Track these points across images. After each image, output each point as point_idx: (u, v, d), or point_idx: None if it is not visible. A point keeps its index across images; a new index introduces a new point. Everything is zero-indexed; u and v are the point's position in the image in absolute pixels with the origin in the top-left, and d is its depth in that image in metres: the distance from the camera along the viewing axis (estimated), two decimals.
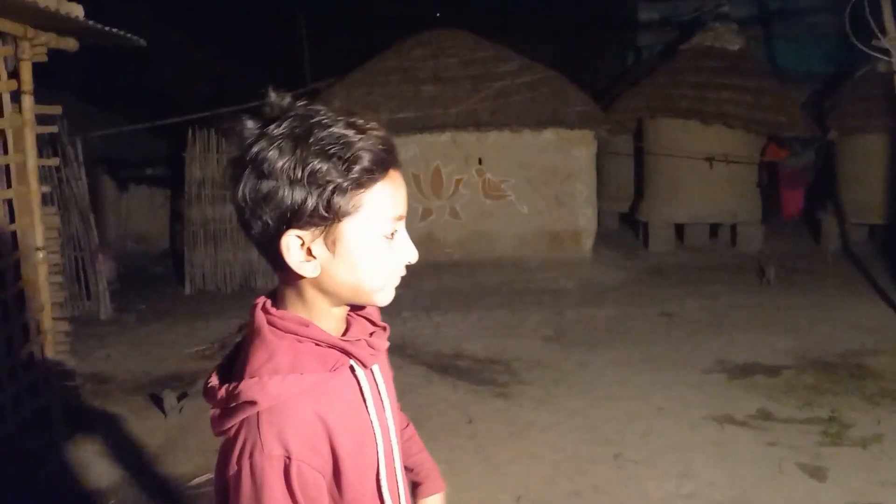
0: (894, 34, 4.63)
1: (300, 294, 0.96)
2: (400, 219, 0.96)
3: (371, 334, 1.04)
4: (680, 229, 9.31)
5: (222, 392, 0.93)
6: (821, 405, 4.08)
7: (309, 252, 0.92)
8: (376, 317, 1.07)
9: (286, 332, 0.94)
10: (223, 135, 7.81)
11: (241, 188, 0.90)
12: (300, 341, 0.93)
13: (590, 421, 4.06)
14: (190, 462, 3.79)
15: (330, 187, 0.88)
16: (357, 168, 0.89)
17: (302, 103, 0.93)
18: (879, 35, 4.69)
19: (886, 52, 4.72)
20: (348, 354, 0.96)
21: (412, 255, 0.98)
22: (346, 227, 0.91)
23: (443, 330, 5.83)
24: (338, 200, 0.89)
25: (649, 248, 9.13)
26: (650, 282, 7.49)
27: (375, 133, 0.91)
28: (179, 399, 4.45)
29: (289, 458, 0.87)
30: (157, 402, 4.45)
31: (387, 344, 1.05)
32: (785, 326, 5.67)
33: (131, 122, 8.75)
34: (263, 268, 7.84)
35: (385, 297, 0.98)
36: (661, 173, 9.14)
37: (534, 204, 8.04)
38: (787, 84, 9.39)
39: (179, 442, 4.04)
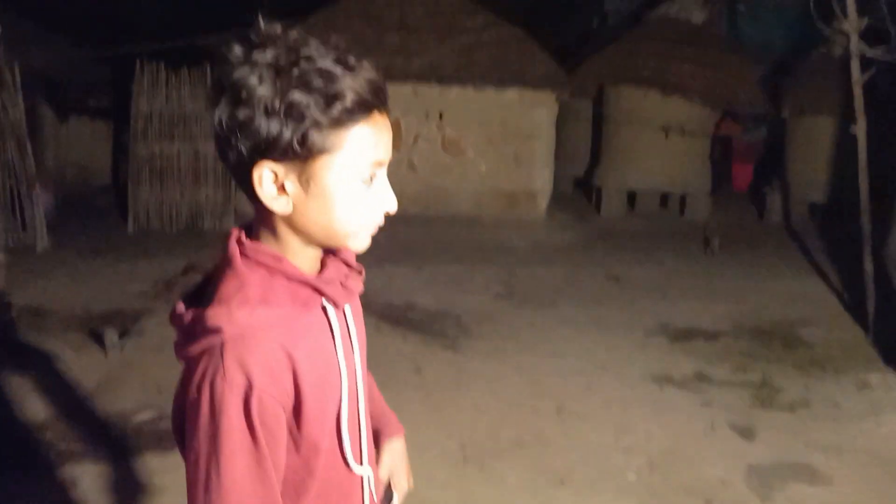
0: (855, 18, 4.72)
1: (272, 229, 0.94)
2: (380, 164, 0.92)
3: (346, 276, 1.02)
4: (632, 196, 9.47)
5: (188, 317, 0.91)
6: (754, 370, 4.27)
7: (282, 187, 0.89)
8: (352, 259, 1.05)
9: (258, 264, 0.92)
10: (174, 68, 7.48)
11: (217, 113, 0.87)
12: (272, 275, 0.91)
13: (535, 375, 4.15)
14: (130, 399, 3.72)
15: (307, 122, 0.85)
16: (338, 106, 0.85)
17: (294, 33, 0.88)
18: (841, 17, 4.77)
19: (847, 34, 4.82)
20: (320, 293, 0.94)
21: (391, 204, 0.95)
22: (321, 166, 0.88)
23: (395, 282, 5.82)
24: (314, 137, 0.85)
25: (601, 212, 9.27)
26: (600, 245, 7.62)
27: (365, 72, 0.88)
28: (121, 337, 4.34)
29: (250, 386, 0.85)
30: (97, 338, 4.33)
31: (361, 287, 1.03)
32: (725, 295, 5.87)
33: (76, 44, 8.26)
34: (212, 209, 7.64)
35: (359, 243, 0.96)
36: (618, 140, 9.23)
37: (492, 162, 8.02)
38: (746, 57, 9.53)
39: (119, 379, 3.95)
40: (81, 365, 4.08)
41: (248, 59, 0.84)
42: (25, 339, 4.37)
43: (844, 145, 7.63)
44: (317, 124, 0.85)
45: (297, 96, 0.83)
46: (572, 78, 8.81)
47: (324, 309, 0.96)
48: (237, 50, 0.86)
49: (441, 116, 7.91)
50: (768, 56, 10.81)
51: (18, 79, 6.37)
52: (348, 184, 0.90)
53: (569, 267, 6.61)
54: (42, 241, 6.51)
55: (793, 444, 3.32)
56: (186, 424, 0.89)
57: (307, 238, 0.94)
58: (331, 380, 0.96)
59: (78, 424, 3.44)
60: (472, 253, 6.92)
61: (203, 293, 0.97)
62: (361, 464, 1.02)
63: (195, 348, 0.89)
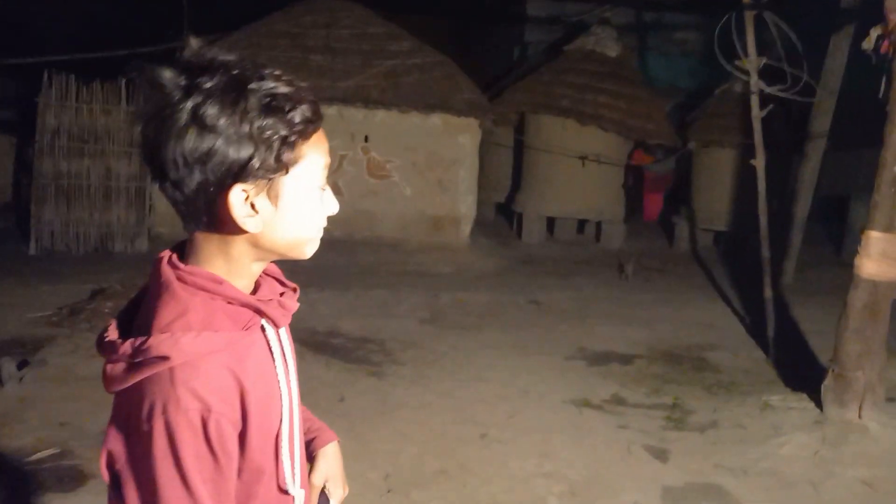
0: (755, 58, 5.10)
1: (225, 250, 0.94)
2: (327, 168, 0.96)
3: (281, 294, 1.03)
4: (551, 223, 9.75)
5: (126, 347, 0.88)
6: (666, 393, 4.46)
7: (252, 207, 0.90)
8: (282, 277, 1.06)
9: (198, 287, 0.91)
10: (85, 82, 7.15)
11: (172, 145, 0.85)
12: (212, 298, 0.91)
13: (459, 402, 4.17)
14: (30, 435, 3.47)
15: (277, 141, 0.87)
16: (300, 119, 0.88)
17: (225, 54, 0.89)
18: (742, 56, 5.14)
19: (747, 73, 5.19)
20: (260, 314, 0.95)
21: (334, 207, 0.98)
22: (288, 180, 0.91)
23: (318, 307, 5.73)
24: (286, 153, 0.88)
25: (522, 238, 9.50)
26: (522, 271, 7.79)
27: (301, 84, 0.91)
28: (20, 367, 4.06)
29: (208, 411, 0.85)
30: None
31: (296, 305, 1.03)
32: (639, 320, 6.13)
33: None
34: (123, 231, 7.30)
35: (312, 249, 0.99)
36: (538, 168, 9.52)
37: (417, 187, 8.08)
38: (656, 91, 10.09)
39: (18, 414, 3.69)
40: None
41: (194, 87, 0.84)
42: None
43: (745, 177, 8.18)
44: (286, 142, 0.87)
45: (264, 119, 0.85)
46: (495, 106, 9.05)
47: (262, 329, 0.96)
48: (171, 76, 0.85)
49: (366, 139, 7.91)
50: (675, 92, 11.49)
51: None
52: (310, 192, 0.93)
53: (492, 292, 6.72)
54: None
55: (703, 466, 3.48)
56: (133, 459, 0.87)
57: (268, 253, 0.95)
58: (272, 401, 0.96)
59: None
60: (397, 277, 6.92)
61: (133, 319, 0.95)
62: (295, 484, 1.01)
63: (136, 377, 0.87)
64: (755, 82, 5.19)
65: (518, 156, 10.04)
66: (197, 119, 0.84)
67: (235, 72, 0.86)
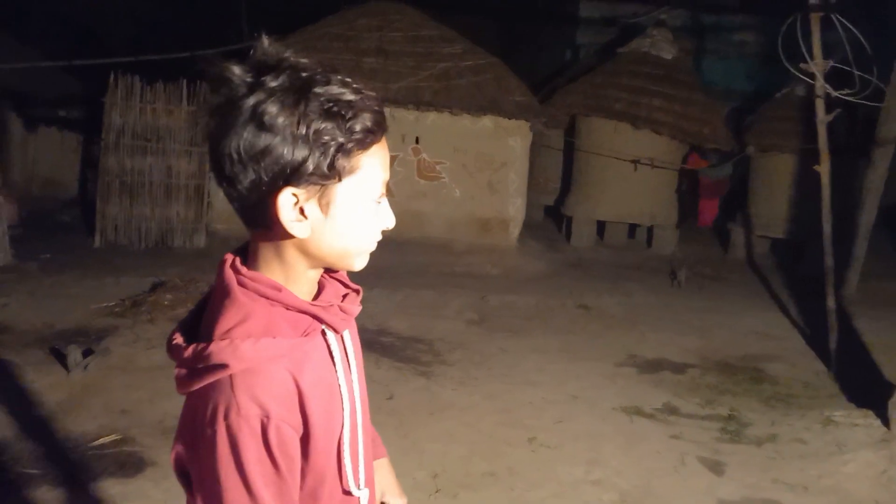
0: (821, 60, 4.91)
1: (280, 254, 0.93)
2: (385, 183, 0.95)
3: (344, 297, 1.02)
4: (601, 226, 9.62)
5: (189, 352, 0.90)
6: (721, 404, 4.34)
7: (301, 211, 0.89)
8: (347, 279, 1.06)
9: (258, 294, 0.91)
10: (149, 83, 7.39)
11: (230, 140, 0.85)
12: (272, 305, 0.91)
13: (507, 404, 4.15)
14: (93, 422, 3.61)
15: (333, 147, 0.86)
16: (359, 128, 0.87)
17: (295, 56, 0.88)
18: (808, 59, 4.97)
19: (812, 76, 5.01)
20: (320, 320, 0.94)
21: (390, 222, 0.97)
22: (341, 189, 0.89)
23: (368, 306, 5.70)
24: (341, 162, 0.87)
25: (571, 241, 9.39)
26: (570, 274, 7.70)
27: (369, 94, 0.89)
28: (85, 355, 4.22)
29: (267, 417, 0.85)
30: (60, 356, 4.20)
31: (359, 308, 1.03)
32: (692, 327, 5.98)
33: (47, 56, 8.12)
34: (182, 227, 7.52)
35: (362, 262, 0.97)
36: (589, 171, 9.39)
37: (466, 188, 8.08)
38: (712, 95, 9.84)
39: (82, 400, 3.84)
40: (42, 384, 3.95)
41: (259, 84, 0.84)
42: None
43: (806, 183, 7.90)
44: (343, 148, 0.86)
45: (322, 122, 0.84)
46: (546, 108, 8.97)
47: (323, 334, 0.96)
48: (240, 72, 0.85)
49: (417, 141, 7.96)
50: (731, 96, 11.18)
51: None
52: (364, 204, 0.92)
53: (540, 295, 6.67)
54: (4, 254, 6.32)
55: (761, 481, 3.37)
56: (197, 462, 0.88)
57: (318, 261, 0.94)
58: (334, 406, 0.96)
59: (36, 447, 3.32)
60: (446, 278, 6.93)
61: (199, 322, 0.95)
62: (359, 487, 1.01)
63: (199, 384, 0.88)
64: (821, 86, 5.01)
65: (568, 158, 9.94)
66: (256, 116, 0.83)
67: (303, 74, 0.85)
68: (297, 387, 0.89)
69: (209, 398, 0.87)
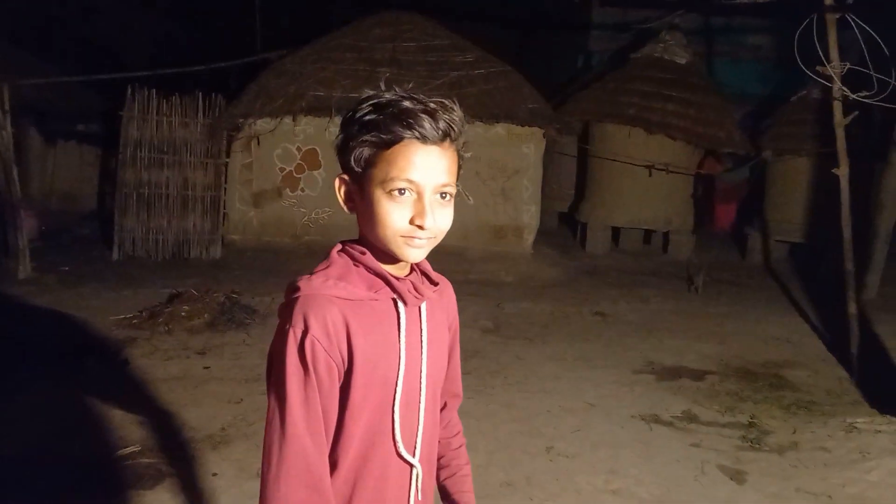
0: (838, 62, 4.86)
1: (360, 232, 1.17)
2: (410, 182, 1.09)
3: (421, 283, 1.21)
4: (616, 232, 9.57)
5: (287, 287, 1.14)
6: (742, 411, 4.29)
7: (348, 196, 1.15)
8: (430, 271, 1.25)
9: (347, 254, 1.16)
10: (165, 96, 7.49)
11: None
12: (355, 264, 1.14)
13: (524, 413, 4.13)
14: (112, 433, 3.64)
15: (358, 143, 1.09)
16: (383, 130, 1.07)
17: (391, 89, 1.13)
18: (824, 61, 4.92)
19: (829, 78, 4.96)
20: (391, 287, 1.14)
21: (420, 219, 1.09)
22: (366, 179, 1.10)
23: None
24: (362, 153, 1.09)
25: (586, 248, 9.35)
26: (586, 281, 7.66)
27: (422, 107, 1.08)
28: (104, 367, 4.25)
29: (305, 332, 1.06)
30: (80, 368, 4.24)
31: (431, 293, 1.20)
32: (710, 333, 5.92)
33: (66, 73, 8.25)
34: (199, 238, 7.59)
35: (408, 252, 1.12)
36: (603, 177, 9.36)
37: (480, 196, 8.08)
38: (727, 99, 9.78)
39: (102, 412, 3.86)
40: (61, 396, 3.99)
41: (355, 102, 1.13)
42: (2, 368, 4.27)
43: (823, 187, 7.81)
44: (365, 144, 1.08)
45: (357, 125, 1.09)
46: (559, 115, 8.97)
47: (394, 303, 1.14)
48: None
49: None
50: (745, 99, 11.09)
51: (7, 102, 6.34)
52: (381, 195, 1.09)
53: (555, 302, 6.64)
54: (25, 267, 6.41)
55: (783, 489, 3.32)
56: (270, 364, 1.12)
57: (374, 242, 1.14)
58: (389, 359, 1.13)
59: (52, 462, 3.34)
60: (460, 286, 6.86)
61: None
62: (414, 455, 1.17)
63: (283, 305, 1.12)
64: (838, 88, 4.95)
65: (582, 165, 9.91)
66: (341, 122, 1.14)
67: (378, 96, 1.10)
68: (347, 327, 1.08)
69: (282, 314, 1.11)
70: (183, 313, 5.38)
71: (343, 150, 1.12)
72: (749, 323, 6.29)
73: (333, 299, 1.09)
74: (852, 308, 5.14)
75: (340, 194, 1.15)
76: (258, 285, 6.37)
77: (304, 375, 1.05)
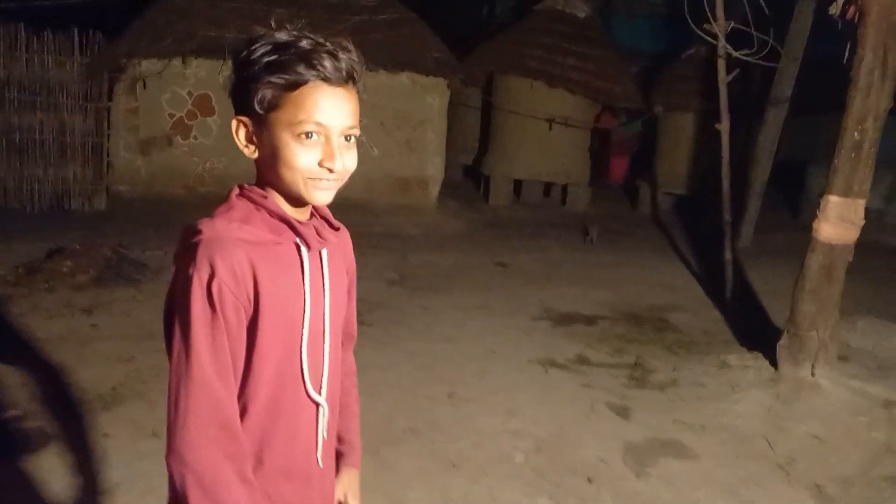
0: (723, 21, 5.12)
1: (260, 176, 1.15)
2: (319, 125, 1.07)
3: (323, 228, 1.20)
4: (518, 185, 9.78)
5: (182, 231, 1.10)
6: (628, 352, 4.59)
7: (250, 139, 1.11)
8: (330, 217, 1.24)
9: (248, 198, 1.13)
10: (35, 32, 6.82)
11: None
12: (257, 208, 1.12)
13: (428, 361, 4.22)
14: None
15: (259, 84, 1.05)
16: (288, 71, 1.04)
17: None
18: (711, 20, 5.16)
19: (714, 36, 5.22)
20: (294, 231, 1.12)
21: (329, 161, 1.09)
22: (271, 121, 1.07)
23: None
24: (261, 95, 1.06)
25: (489, 200, 9.52)
26: (488, 233, 7.83)
27: (324, 48, 1.05)
28: None
29: (212, 275, 1.03)
30: None
31: (335, 239, 1.21)
32: (603, 281, 6.24)
33: None
34: (80, 188, 7.08)
35: (311, 194, 1.11)
36: (506, 130, 9.49)
37: (384, 147, 7.99)
38: (623, 54, 10.09)
39: None
40: None
41: (247, 41, 1.08)
42: None
43: (707, 142, 8.29)
44: (269, 85, 1.05)
45: (259, 65, 1.05)
46: (463, 65, 8.94)
47: (297, 247, 1.13)
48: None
49: None
50: (638, 56, 11.48)
51: None
52: (287, 136, 1.07)
53: (459, 254, 6.75)
54: None
55: (663, 422, 3.61)
56: (166, 306, 1.10)
57: (277, 185, 1.12)
58: (294, 304, 1.12)
59: None
60: (365, 238, 6.88)
61: None
62: (320, 394, 1.18)
63: (181, 249, 1.09)
64: (722, 46, 5.23)
65: (486, 117, 9.98)
66: (234, 62, 1.09)
67: (268, 35, 1.06)
68: (252, 268, 1.07)
69: (182, 258, 1.08)
70: (65, 269, 5.04)
71: (241, 92, 1.08)
72: (638, 270, 6.68)
73: (238, 242, 1.07)
74: (728, 255, 5.56)
75: (239, 137, 1.11)
76: (149, 239, 6.05)
77: (210, 319, 1.03)
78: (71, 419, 3.27)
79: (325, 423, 1.21)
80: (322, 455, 1.23)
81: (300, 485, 1.19)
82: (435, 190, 8.31)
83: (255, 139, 1.10)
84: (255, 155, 1.11)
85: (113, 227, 6.47)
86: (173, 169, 7.57)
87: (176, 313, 1.06)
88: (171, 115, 7.52)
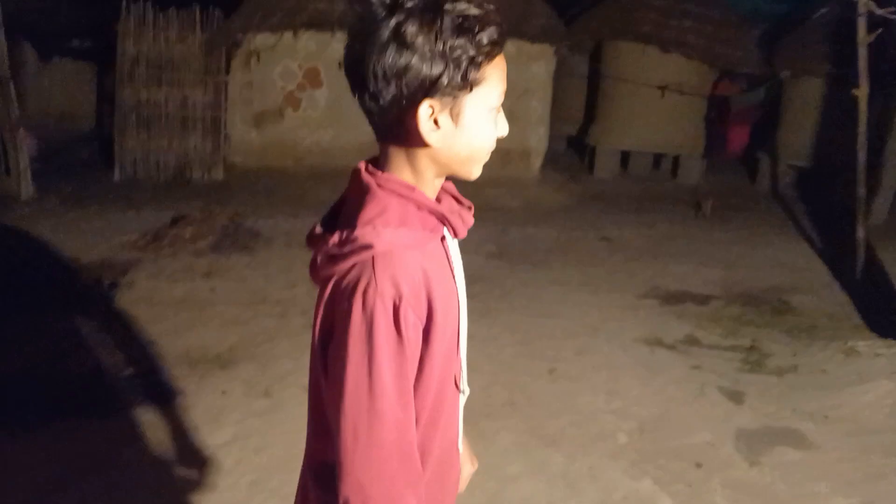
0: None
1: (411, 162, 1.02)
2: (503, 94, 1.03)
3: (460, 209, 1.12)
4: (625, 157, 9.41)
5: (335, 238, 1.00)
6: (743, 335, 4.32)
7: (436, 122, 0.98)
8: (458, 194, 1.15)
9: (393, 192, 1.01)
10: (161, 9, 7.23)
11: (374, 59, 0.94)
12: (406, 203, 1.01)
13: (527, 336, 4.17)
14: (119, 354, 3.70)
15: (465, 60, 0.94)
16: (486, 41, 0.95)
17: None
18: None
19: None
20: (444, 221, 1.04)
21: (504, 129, 1.06)
22: (470, 100, 0.98)
23: None
24: (472, 73, 0.96)
25: (594, 172, 9.21)
26: (593, 206, 7.60)
27: (490, 8, 0.97)
28: (109, 289, 4.29)
29: (399, 298, 0.95)
30: (86, 290, 4.27)
31: (472, 220, 1.12)
32: (716, 259, 5.90)
33: None
34: (200, 159, 7.49)
35: (479, 170, 1.06)
36: (614, 98, 9.10)
37: None
38: (744, 16, 9.37)
39: (108, 333, 3.92)
40: (68, 318, 4.03)
41: (398, 6, 0.93)
42: (7, 290, 4.31)
43: (837, 110, 7.58)
44: (474, 61, 0.95)
45: (455, 39, 0.93)
46: (570, 32, 8.63)
47: (442, 239, 1.05)
48: None
49: None
50: (759, 18, 10.61)
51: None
52: (486, 113, 1.01)
53: (562, 227, 6.60)
54: (26, 188, 6.37)
55: (780, 410, 3.38)
56: (334, 334, 0.98)
57: (443, 168, 1.03)
58: (451, 303, 1.05)
59: (62, 380, 3.41)
60: None
61: (336, 219, 1.07)
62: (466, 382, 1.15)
63: (344, 265, 0.98)
64: (864, 3, 4.72)
65: (592, 86, 9.62)
66: (398, 36, 0.92)
67: None
68: (426, 277, 0.99)
69: (351, 277, 0.97)
70: (187, 235, 5.37)
71: (422, 75, 0.93)
72: (755, 248, 6.26)
73: (411, 252, 0.98)
74: (861, 232, 5.09)
75: (424, 124, 0.96)
76: (261, 209, 6.34)
77: (396, 346, 0.95)
78: (191, 376, 3.49)
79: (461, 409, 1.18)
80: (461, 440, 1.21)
81: (449, 473, 1.18)
82: (537, 162, 8.14)
83: (437, 122, 0.98)
84: (441, 141, 0.99)
85: (229, 197, 6.82)
86: (284, 141, 7.85)
87: (348, 343, 0.95)
88: (283, 89, 7.78)
